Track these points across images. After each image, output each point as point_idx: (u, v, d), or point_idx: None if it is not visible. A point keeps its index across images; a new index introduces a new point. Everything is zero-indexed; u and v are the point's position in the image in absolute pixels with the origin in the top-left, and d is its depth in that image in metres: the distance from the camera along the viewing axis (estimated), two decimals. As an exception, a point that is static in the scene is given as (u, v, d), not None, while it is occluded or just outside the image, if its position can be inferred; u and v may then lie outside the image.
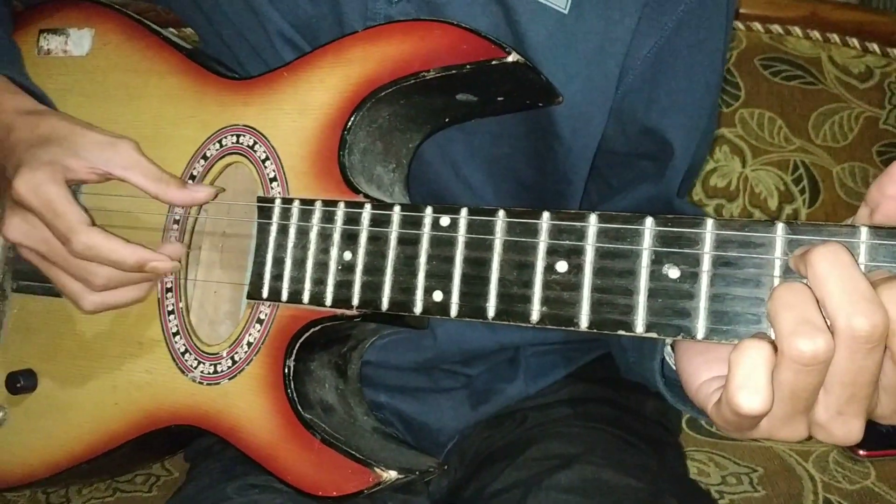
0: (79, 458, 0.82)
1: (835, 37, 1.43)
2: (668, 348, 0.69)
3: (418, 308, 0.65)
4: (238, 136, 0.78)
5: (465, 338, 0.88)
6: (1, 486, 0.89)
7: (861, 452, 1.07)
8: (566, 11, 0.78)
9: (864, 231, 0.51)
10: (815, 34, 1.43)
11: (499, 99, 0.72)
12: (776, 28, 1.45)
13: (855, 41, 1.43)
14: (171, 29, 1.07)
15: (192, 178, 0.80)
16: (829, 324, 0.49)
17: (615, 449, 0.81)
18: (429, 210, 0.66)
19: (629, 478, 0.74)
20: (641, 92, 0.85)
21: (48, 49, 0.92)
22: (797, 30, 1.44)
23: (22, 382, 0.85)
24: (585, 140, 0.85)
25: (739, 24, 1.44)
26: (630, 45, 0.81)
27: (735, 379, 0.49)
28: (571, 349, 0.97)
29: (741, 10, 1.44)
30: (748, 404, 0.49)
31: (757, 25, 1.45)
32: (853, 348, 0.48)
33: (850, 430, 0.52)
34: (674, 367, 0.67)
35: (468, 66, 0.67)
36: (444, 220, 0.64)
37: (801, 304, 0.49)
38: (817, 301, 0.49)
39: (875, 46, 1.42)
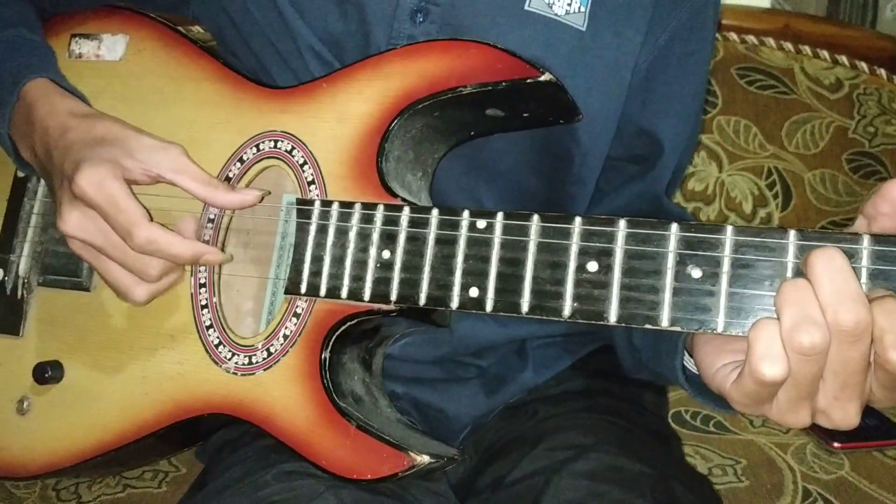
0: (107, 446, 0.85)
1: (807, 49, 1.48)
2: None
3: (455, 303, 0.69)
4: (276, 141, 0.82)
5: (478, 332, 0.94)
6: (22, 475, 0.90)
7: (835, 445, 1.13)
8: (584, 29, 0.85)
9: (865, 238, 0.58)
10: (789, 46, 1.49)
11: (524, 115, 0.77)
12: (751, 39, 1.50)
13: (825, 53, 1.48)
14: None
15: (228, 179, 0.83)
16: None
17: (624, 439, 0.85)
18: (465, 213, 0.70)
19: (641, 465, 0.78)
20: (637, 97, 0.93)
21: (80, 53, 0.94)
22: (771, 41, 1.49)
23: (50, 372, 0.87)
24: (601, 144, 0.92)
25: (717, 35, 1.48)
26: (638, 58, 0.89)
27: (757, 351, 0.56)
28: (573, 341, 1.02)
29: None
30: (770, 371, 0.56)
31: (733, 36, 1.50)
32: (840, 339, 0.55)
33: (847, 413, 0.59)
34: (689, 367, 0.73)
35: (503, 84, 0.72)
36: (481, 223, 0.69)
37: (803, 301, 0.55)
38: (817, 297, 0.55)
39: (844, 59, 1.48)
